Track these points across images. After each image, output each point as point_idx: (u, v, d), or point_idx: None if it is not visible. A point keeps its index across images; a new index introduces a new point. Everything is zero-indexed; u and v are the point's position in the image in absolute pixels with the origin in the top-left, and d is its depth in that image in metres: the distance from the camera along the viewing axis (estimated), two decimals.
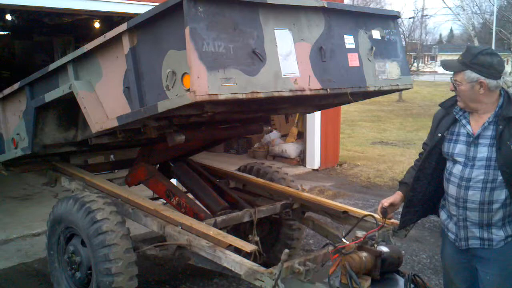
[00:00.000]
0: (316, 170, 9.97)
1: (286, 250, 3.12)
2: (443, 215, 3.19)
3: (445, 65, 3.12)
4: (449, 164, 3.04)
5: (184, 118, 3.88)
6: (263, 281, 3.18)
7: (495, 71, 2.85)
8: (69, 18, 11.53)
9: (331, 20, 3.65)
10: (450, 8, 26.30)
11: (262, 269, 3.24)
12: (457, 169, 2.97)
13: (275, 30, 3.30)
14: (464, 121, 2.99)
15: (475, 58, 2.86)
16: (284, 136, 10.87)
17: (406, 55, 4.69)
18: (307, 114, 9.83)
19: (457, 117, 3.03)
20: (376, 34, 3.97)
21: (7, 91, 4.88)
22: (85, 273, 3.96)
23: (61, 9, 6.96)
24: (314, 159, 10.02)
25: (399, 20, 4.61)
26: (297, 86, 3.35)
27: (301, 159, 10.25)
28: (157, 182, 4.72)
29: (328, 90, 3.53)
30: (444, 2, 30.44)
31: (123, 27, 3.41)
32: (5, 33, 15.45)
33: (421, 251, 5.64)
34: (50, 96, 4.17)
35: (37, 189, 8.11)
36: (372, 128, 16.79)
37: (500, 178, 2.84)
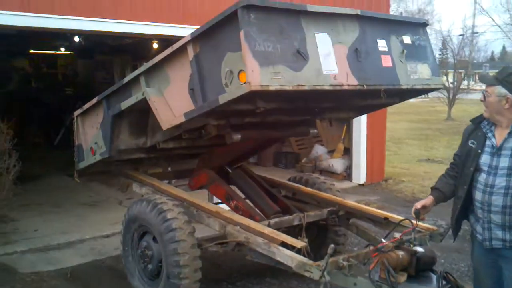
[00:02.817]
0: (362, 185, 10.35)
1: (332, 245, 3.61)
2: (471, 218, 3.58)
3: (482, 78, 3.60)
4: (475, 173, 3.47)
5: (239, 118, 4.44)
6: (311, 272, 3.67)
7: None
8: (130, 40, 12.35)
9: (365, 26, 4.17)
10: (499, 26, 26.06)
11: (311, 262, 3.74)
12: (482, 177, 3.38)
13: (315, 34, 3.85)
14: (490, 134, 3.41)
15: (508, 77, 3.28)
16: (331, 152, 11.28)
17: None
18: (353, 130, 10.30)
19: (484, 131, 3.46)
20: (406, 39, 4.45)
21: (86, 106, 5.56)
22: (156, 265, 4.55)
23: (125, 33, 7.72)
24: (360, 174, 10.40)
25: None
26: (336, 82, 3.86)
27: (347, 174, 10.64)
28: (217, 187, 5.31)
29: (365, 86, 4.02)
30: (494, 20, 30.06)
31: (187, 37, 4.02)
32: (69, 52, 16.55)
33: (460, 261, 5.97)
34: (126, 104, 4.77)
35: (103, 197, 8.87)
36: (419, 146, 16.94)
37: None
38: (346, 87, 3.93)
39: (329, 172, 10.65)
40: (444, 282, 3.62)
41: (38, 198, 8.56)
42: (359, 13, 4.12)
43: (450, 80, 29.01)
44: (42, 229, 7.03)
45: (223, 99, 3.74)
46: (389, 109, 12.97)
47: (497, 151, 3.34)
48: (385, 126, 11.15)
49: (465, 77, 31.36)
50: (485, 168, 3.37)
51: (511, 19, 24.33)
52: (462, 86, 27.98)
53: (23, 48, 14.95)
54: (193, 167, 5.87)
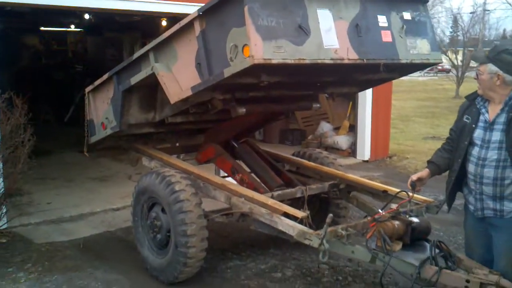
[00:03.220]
0: (366, 161, 10.54)
1: (330, 215, 3.82)
2: (465, 190, 3.77)
3: (474, 57, 3.75)
4: (469, 147, 3.63)
5: (244, 92, 4.62)
6: (311, 240, 3.87)
7: None
8: (138, 17, 12.45)
9: (366, 3, 4.30)
10: (510, 4, 25.84)
11: (311, 231, 3.94)
12: (475, 151, 3.56)
13: (317, 10, 3.99)
14: (483, 110, 3.58)
15: (498, 55, 3.44)
16: (336, 129, 11.44)
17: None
18: (359, 108, 10.45)
19: (478, 107, 3.62)
20: (407, 15, 4.57)
21: (97, 82, 5.72)
22: (165, 235, 4.77)
23: (133, 11, 7.85)
24: (365, 151, 10.59)
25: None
26: (337, 56, 4.01)
27: (352, 151, 10.83)
28: (224, 160, 5.51)
29: (365, 60, 4.17)
30: None
31: (194, 14, 4.17)
32: (79, 30, 16.68)
33: (458, 234, 6.15)
34: (135, 79, 4.93)
35: (113, 172, 9.15)
36: (425, 124, 17.07)
37: None
38: (346, 61, 4.08)
39: (335, 149, 10.83)
40: (437, 251, 3.81)
41: (51, 172, 8.82)
42: None
43: (460, 58, 28.88)
44: (55, 202, 7.31)
45: (228, 72, 3.91)
46: (398, 87, 13.08)
47: (490, 126, 3.51)
48: (390, 103, 11.30)
49: None
50: (478, 142, 3.55)
51: None
52: (471, 64, 27.79)
53: (34, 25, 15.11)
54: (199, 142, 6.06)
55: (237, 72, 3.84)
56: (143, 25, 13.89)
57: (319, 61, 3.93)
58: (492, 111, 3.54)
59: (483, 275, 3.46)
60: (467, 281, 3.46)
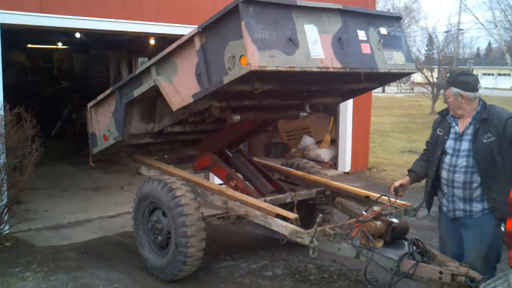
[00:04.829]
0: (347, 173, 11.04)
1: (320, 215, 4.26)
2: (439, 194, 4.27)
3: (437, 85, 4.30)
4: (442, 156, 4.14)
5: (239, 101, 5.06)
6: (303, 238, 4.31)
7: (471, 86, 3.98)
8: (128, 36, 12.77)
9: (347, 19, 4.81)
10: (482, 24, 26.86)
11: (302, 230, 4.38)
12: (447, 159, 4.07)
13: (304, 25, 4.49)
14: (454, 124, 4.11)
15: (456, 78, 4.03)
16: (318, 143, 11.94)
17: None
18: (340, 122, 10.97)
19: (449, 121, 4.14)
20: (383, 30, 5.10)
21: (99, 97, 6.12)
22: (165, 236, 5.16)
23: (128, 32, 8.24)
24: (346, 163, 11.10)
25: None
26: (323, 65, 4.49)
27: (334, 163, 11.33)
28: (219, 168, 5.92)
29: (347, 69, 4.65)
30: (477, 18, 30.67)
31: (194, 30, 4.63)
32: (66, 47, 16.96)
33: (433, 238, 6.62)
34: (138, 91, 5.33)
35: (105, 183, 9.50)
36: (402, 138, 17.66)
37: None
38: (331, 70, 4.56)
39: (317, 161, 11.19)
40: (414, 247, 4.28)
41: (43, 183, 9.05)
42: (341, 8, 4.78)
43: (435, 75, 29.74)
44: (52, 210, 7.65)
45: (227, 79, 4.34)
46: (376, 103, 13.70)
47: (459, 137, 4.03)
48: (370, 118, 11.84)
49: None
50: (450, 151, 4.07)
51: (493, 17, 25.20)
52: None
53: (20, 42, 15.31)
54: (193, 153, 6.47)
55: (235, 79, 4.27)
56: (130, 43, 14.21)
57: (307, 69, 4.40)
58: (461, 124, 4.06)
59: (454, 268, 3.92)
60: (441, 272, 3.93)
